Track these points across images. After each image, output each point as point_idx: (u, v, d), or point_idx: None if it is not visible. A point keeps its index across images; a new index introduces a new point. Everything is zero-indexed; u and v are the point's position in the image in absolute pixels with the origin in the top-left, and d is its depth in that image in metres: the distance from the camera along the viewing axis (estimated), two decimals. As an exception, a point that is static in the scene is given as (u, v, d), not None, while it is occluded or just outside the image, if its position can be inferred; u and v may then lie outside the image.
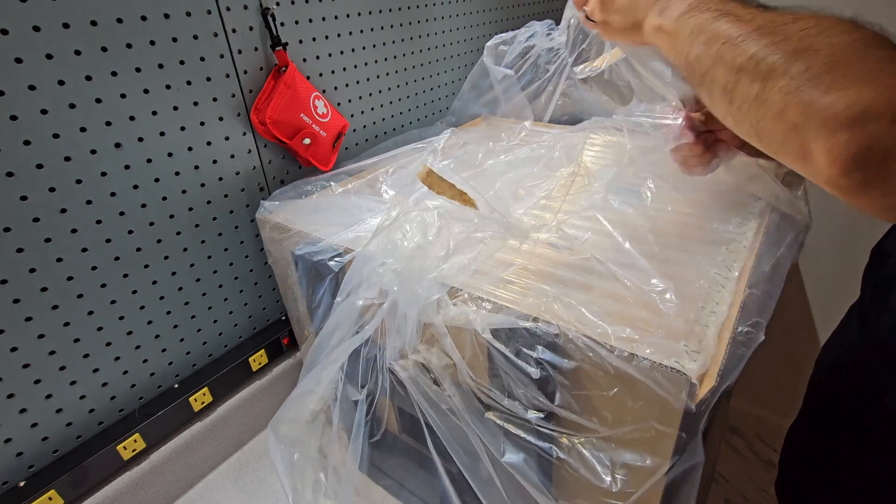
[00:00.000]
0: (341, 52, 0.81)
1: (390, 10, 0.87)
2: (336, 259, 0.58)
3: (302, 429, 0.59)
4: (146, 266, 0.63)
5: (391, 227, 0.55)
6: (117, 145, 0.57)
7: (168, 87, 0.60)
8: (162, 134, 0.61)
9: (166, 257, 0.65)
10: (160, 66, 0.59)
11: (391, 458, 0.67)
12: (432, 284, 0.48)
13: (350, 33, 0.81)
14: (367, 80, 0.87)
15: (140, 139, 0.59)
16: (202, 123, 0.65)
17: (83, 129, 0.54)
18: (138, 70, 0.57)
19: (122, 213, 0.59)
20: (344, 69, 0.82)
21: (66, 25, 0.51)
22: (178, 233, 0.66)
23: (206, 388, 0.71)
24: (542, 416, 0.44)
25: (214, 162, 0.68)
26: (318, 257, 0.59)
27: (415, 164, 0.66)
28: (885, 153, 0.27)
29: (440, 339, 0.48)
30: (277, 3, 0.69)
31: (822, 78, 0.29)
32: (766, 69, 0.32)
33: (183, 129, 0.63)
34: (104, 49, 0.54)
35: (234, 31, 0.65)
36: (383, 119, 0.94)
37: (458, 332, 0.47)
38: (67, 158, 0.54)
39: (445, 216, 0.56)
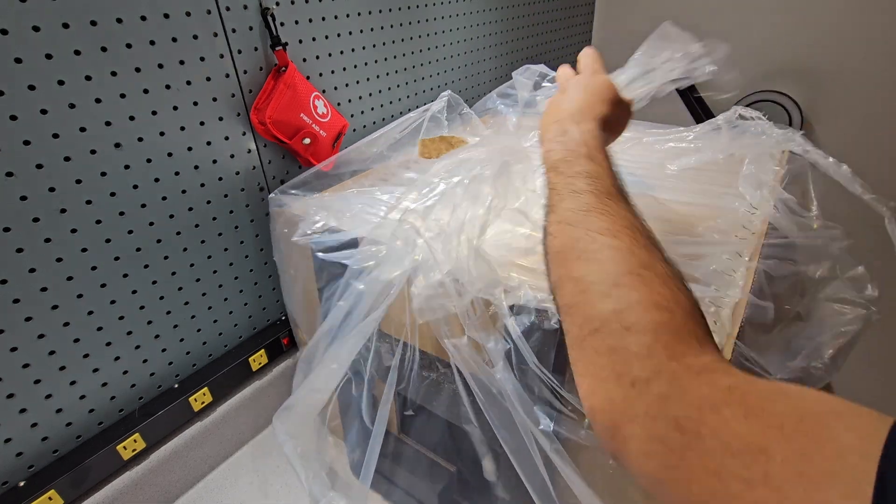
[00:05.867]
0: (341, 52, 0.81)
1: (390, 10, 0.87)
2: (349, 248, 0.57)
3: (308, 422, 0.58)
4: (146, 266, 0.63)
5: (407, 206, 0.55)
6: (117, 145, 0.57)
7: (168, 87, 0.60)
8: (162, 134, 0.61)
9: (166, 257, 0.65)
10: (160, 66, 0.59)
11: (391, 459, 0.66)
12: (467, 249, 0.48)
13: (350, 33, 0.81)
14: (367, 80, 0.87)
15: (140, 139, 0.59)
16: (202, 123, 0.65)
17: (83, 129, 0.54)
18: (138, 70, 0.57)
19: (121, 213, 0.59)
20: (344, 69, 0.82)
21: (66, 25, 0.51)
22: (178, 233, 0.66)
23: (206, 388, 0.71)
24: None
25: (214, 162, 0.68)
26: (333, 248, 0.58)
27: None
28: None
29: (501, 320, 0.46)
30: (277, 3, 0.69)
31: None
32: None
33: (183, 129, 0.63)
34: (104, 49, 0.54)
35: (233, 31, 0.65)
36: (383, 119, 0.94)
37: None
38: (67, 158, 0.54)
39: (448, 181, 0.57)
